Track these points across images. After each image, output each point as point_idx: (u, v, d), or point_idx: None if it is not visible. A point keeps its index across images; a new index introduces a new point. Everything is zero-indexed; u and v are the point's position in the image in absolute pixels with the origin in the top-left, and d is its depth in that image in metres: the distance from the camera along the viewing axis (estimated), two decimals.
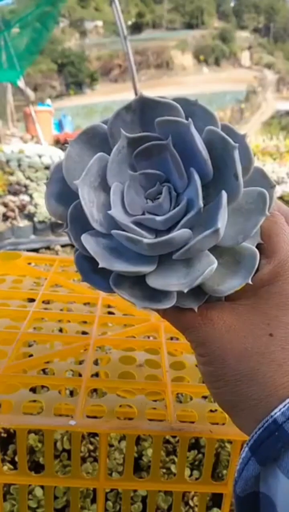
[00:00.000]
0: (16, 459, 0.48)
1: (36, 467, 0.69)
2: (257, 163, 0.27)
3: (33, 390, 0.60)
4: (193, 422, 0.42)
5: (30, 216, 3.08)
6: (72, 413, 0.41)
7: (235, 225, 0.26)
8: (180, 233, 0.24)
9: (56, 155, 3.91)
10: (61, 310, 0.64)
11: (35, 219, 3.04)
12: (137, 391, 0.46)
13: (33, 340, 0.59)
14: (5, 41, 5.34)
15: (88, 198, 0.26)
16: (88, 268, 0.27)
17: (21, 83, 6.10)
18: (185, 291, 0.24)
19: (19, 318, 0.58)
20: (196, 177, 0.25)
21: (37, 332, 0.57)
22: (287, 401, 0.24)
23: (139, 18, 41.76)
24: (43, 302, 0.64)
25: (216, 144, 0.25)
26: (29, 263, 0.77)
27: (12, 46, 5.41)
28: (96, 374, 0.51)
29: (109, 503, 0.65)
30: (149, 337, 0.61)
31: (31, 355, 0.52)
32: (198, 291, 0.27)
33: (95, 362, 0.54)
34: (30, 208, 3.11)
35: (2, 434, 0.76)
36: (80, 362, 0.51)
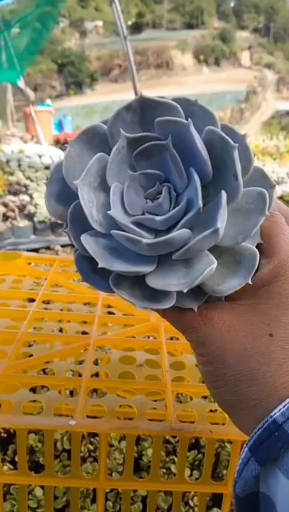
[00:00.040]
0: (16, 459, 0.48)
1: (36, 467, 0.69)
2: (257, 163, 0.27)
3: (33, 390, 0.60)
4: (193, 422, 0.42)
5: (30, 216, 3.08)
6: (72, 413, 0.41)
7: (234, 225, 0.26)
8: (179, 233, 0.24)
9: (56, 155, 3.91)
10: (61, 310, 0.64)
11: (35, 219, 3.04)
12: (137, 391, 0.46)
13: (33, 340, 0.59)
14: (5, 41, 5.35)
15: (88, 198, 0.26)
16: (88, 268, 0.27)
17: (21, 83, 6.10)
18: (185, 291, 0.24)
19: (19, 318, 0.58)
20: (196, 177, 0.25)
21: (37, 332, 0.57)
22: (287, 401, 0.24)
23: (139, 18, 41.76)
24: (43, 302, 0.64)
25: (216, 144, 0.25)
26: (29, 263, 0.77)
27: (12, 46, 5.41)
28: (96, 374, 0.51)
29: (109, 503, 0.65)
30: (149, 337, 0.61)
31: (31, 355, 0.52)
32: (198, 291, 0.27)
33: (95, 362, 0.54)
34: (30, 208, 3.11)
35: (2, 434, 0.76)
36: (80, 362, 0.51)
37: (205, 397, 0.46)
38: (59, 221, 0.28)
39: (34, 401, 0.45)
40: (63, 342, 0.56)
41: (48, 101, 10.84)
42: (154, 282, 0.25)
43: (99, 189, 0.27)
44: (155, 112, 0.26)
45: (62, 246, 2.83)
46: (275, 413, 0.24)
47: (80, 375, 0.47)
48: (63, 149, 4.57)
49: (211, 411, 0.45)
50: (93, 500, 0.65)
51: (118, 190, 0.26)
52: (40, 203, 3.13)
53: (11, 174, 3.54)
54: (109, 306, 0.66)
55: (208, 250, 0.26)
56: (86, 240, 0.26)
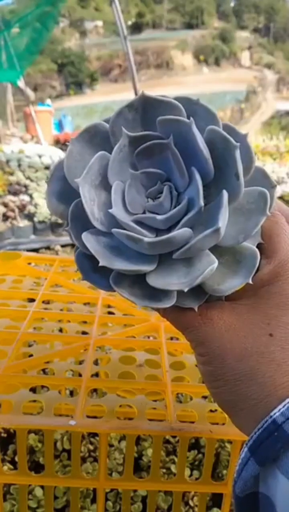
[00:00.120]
0: (16, 459, 0.48)
1: (36, 467, 0.69)
2: (257, 163, 0.27)
3: (33, 390, 0.60)
4: (193, 422, 0.42)
5: (30, 216, 3.08)
6: (72, 413, 0.41)
7: (235, 224, 0.26)
8: (180, 232, 0.24)
9: (56, 155, 3.91)
10: (61, 310, 0.63)
11: (35, 219, 3.04)
12: (137, 391, 0.46)
13: (33, 340, 0.59)
14: (5, 41, 5.35)
15: (89, 197, 0.26)
16: (89, 267, 0.27)
17: (21, 83, 6.10)
18: (185, 290, 0.24)
19: (19, 318, 0.58)
20: (197, 176, 0.25)
21: (37, 332, 0.57)
22: (286, 401, 0.24)
23: (139, 18, 41.77)
24: (43, 302, 0.64)
25: (217, 143, 0.25)
26: (29, 263, 0.77)
27: (12, 46, 5.41)
28: (96, 374, 0.51)
29: (109, 503, 0.65)
30: (149, 337, 0.61)
31: (31, 355, 0.52)
32: (198, 291, 0.27)
33: (95, 362, 0.53)
34: (30, 208, 3.11)
35: (2, 434, 0.76)
36: (80, 362, 0.51)
37: (205, 397, 0.46)
38: (60, 220, 0.28)
39: (34, 401, 0.45)
40: (63, 342, 0.56)
41: (48, 101, 10.84)
42: (155, 281, 0.25)
43: (100, 187, 0.27)
44: (156, 111, 0.26)
45: (62, 246, 2.83)
46: (274, 413, 0.24)
47: (80, 375, 0.47)
48: (63, 149, 4.58)
49: (211, 411, 0.45)
50: (93, 500, 0.65)
51: (119, 188, 0.26)
52: (40, 203, 3.13)
53: (11, 174, 3.54)
54: (109, 306, 0.66)
55: (209, 249, 0.26)
56: (87, 239, 0.26)
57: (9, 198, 3.14)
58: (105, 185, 0.27)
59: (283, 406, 0.24)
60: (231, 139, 0.24)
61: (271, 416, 0.24)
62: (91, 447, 0.74)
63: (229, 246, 0.26)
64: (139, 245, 0.25)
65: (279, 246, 0.28)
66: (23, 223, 3.03)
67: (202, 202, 0.24)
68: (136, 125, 0.27)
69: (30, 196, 3.25)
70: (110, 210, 0.25)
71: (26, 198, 3.20)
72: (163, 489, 0.58)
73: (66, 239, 2.87)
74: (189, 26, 42.60)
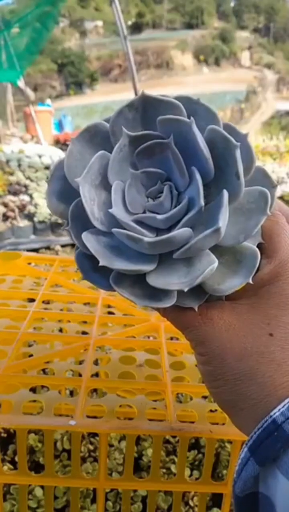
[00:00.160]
0: (16, 459, 0.48)
1: (36, 467, 0.69)
2: (257, 163, 0.27)
3: (33, 390, 0.60)
4: (193, 422, 0.42)
5: (30, 216, 3.08)
6: (72, 413, 0.41)
7: (236, 224, 0.26)
8: (180, 232, 0.24)
9: (56, 155, 3.91)
10: (61, 310, 0.63)
11: (35, 219, 3.04)
12: (137, 391, 0.46)
13: (33, 340, 0.59)
14: (5, 41, 5.35)
15: (89, 196, 0.26)
16: (89, 266, 0.27)
17: (21, 83, 6.10)
18: (185, 290, 0.24)
19: (19, 318, 0.58)
20: (197, 176, 0.25)
21: (37, 332, 0.57)
22: (286, 401, 0.24)
23: (139, 18, 41.75)
24: (43, 302, 0.64)
25: (218, 143, 0.25)
26: (29, 263, 0.77)
27: (12, 46, 5.42)
28: (96, 374, 0.51)
29: (109, 503, 0.65)
30: (149, 337, 0.61)
31: (31, 355, 0.52)
32: (198, 290, 0.27)
33: (95, 362, 0.53)
34: (30, 208, 3.11)
35: (2, 434, 0.76)
36: (80, 362, 0.51)
37: (205, 397, 0.46)
38: (60, 219, 0.28)
39: (34, 401, 0.45)
40: (63, 342, 0.56)
41: (48, 101, 10.84)
42: (155, 280, 0.25)
43: (100, 187, 0.26)
44: (157, 110, 0.26)
45: (62, 246, 2.83)
46: (274, 413, 0.24)
47: (80, 375, 0.47)
48: (63, 149, 4.58)
49: (211, 411, 0.45)
50: (93, 500, 0.65)
51: (119, 188, 0.26)
52: (40, 203, 3.13)
53: (11, 174, 3.54)
54: (109, 306, 0.66)
55: (209, 249, 0.26)
56: (87, 238, 0.26)
57: (9, 198, 3.14)
58: (105, 185, 0.27)
59: (283, 406, 0.24)
60: (232, 138, 0.24)
61: (271, 416, 0.24)
62: (91, 447, 0.74)
63: (229, 246, 0.26)
64: (139, 245, 0.25)
65: (280, 246, 0.28)
66: (23, 223, 3.03)
67: (202, 202, 0.24)
68: (137, 124, 0.27)
69: (30, 196, 3.25)
70: (110, 210, 0.25)
71: (26, 198, 3.20)
72: (163, 489, 0.58)
73: (66, 239, 2.87)
74: (189, 26, 42.58)
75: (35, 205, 3.14)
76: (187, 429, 0.40)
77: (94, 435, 0.75)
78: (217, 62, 37.09)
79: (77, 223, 0.26)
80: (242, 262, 0.27)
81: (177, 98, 0.26)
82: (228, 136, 0.24)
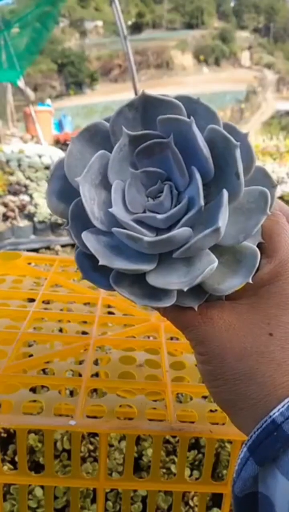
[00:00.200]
0: (16, 459, 0.48)
1: (36, 467, 0.69)
2: (257, 163, 0.27)
3: (33, 390, 0.60)
4: (193, 422, 0.42)
5: (30, 216, 3.08)
6: (72, 413, 0.41)
7: (236, 224, 0.26)
8: (180, 231, 0.24)
9: (56, 155, 3.91)
10: (61, 310, 0.63)
11: (35, 219, 3.05)
12: (138, 391, 0.46)
13: (33, 340, 0.59)
14: (5, 41, 5.35)
15: (89, 196, 0.26)
16: (89, 266, 0.27)
17: (21, 83, 6.10)
18: (185, 289, 0.24)
19: (19, 318, 0.58)
20: (197, 175, 0.25)
21: (37, 332, 0.57)
22: (286, 401, 0.24)
23: (139, 18, 41.74)
24: (43, 302, 0.64)
25: (218, 142, 0.25)
26: (29, 263, 0.77)
27: (12, 46, 5.42)
28: (96, 374, 0.51)
29: (109, 503, 0.65)
30: (149, 337, 0.61)
31: (31, 355, 0.52)
32: (198, 290, 0.27)
33: (95, 362, 0.53)
34: (30, 208, 3.11)
35: (2, 434, 0.76)
36: (80, 362, 0.51)
37: (205, 397, 0.46)
38: (60, 219, 0.28)
39: (34, 401, 0.45)
40: (63, 342, 0.56)
41: (48, 101, 10.84)
42: (155, 280, 0.25)
43: (100, 186, 0.26)
44: (157, 110, 0.26)
45: (62, 246, 2.83)
46: (274, 413, 0.24)
47: (80, 375, 0.47)
48: (63, 149, 4.58)
49: (211, 411, 0.45)
50: (93, 500, 0.65)
51: (119, 187, 0.26)
52: (40, 203, 3.13)
53: (11, 174, 3.54)
54: (109, 306, 0.66)
55: (209, 249, 0.26)
56: (87, 238, 0.25)
57: (9, 198, 3.14)
58: (105, 184, 0.27)
59: (283, 406, 0.24)
60: (232, 138, 0.24)
61: (270, 416, 0.24)
62: (91, 447, 0.73)
63: (229, 246, 0.26)
64: (139, 244, 0.25)
65: (280, 246, 0.28)
66: (23, 223, 3.03)
67: (202, 202, 0.24)
68: (137, 124, 0.27)
69: (30, 196, 3.26)
70: (110, 209, 0.25)
71: (26, 198, 3.20)
72: (163, 489, 0.58)
73: (66, 239, 2.87)
74: (189, 26, 42.57)
75: (35, 205, 3.14)
76: (187, 429, 0.40)
77: (94, 435, 0.75)
78: (217, 62, 37.07)
79: (77, 222, 0.26)
80: (242, 262, 0.27)
81: (177, 97, 0.26)
82: (228, 135, 0.24)
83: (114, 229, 0.25)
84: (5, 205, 3.07)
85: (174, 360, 0.52)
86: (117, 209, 0.25)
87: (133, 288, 0.26)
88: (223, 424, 0.46)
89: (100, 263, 0.24)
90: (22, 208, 3.11)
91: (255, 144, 5.23)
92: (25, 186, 3.38)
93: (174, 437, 0.75)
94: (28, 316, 0.57)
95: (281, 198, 3.27)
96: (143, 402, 0.44)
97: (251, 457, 0.25)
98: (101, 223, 0.26)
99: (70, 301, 0.66)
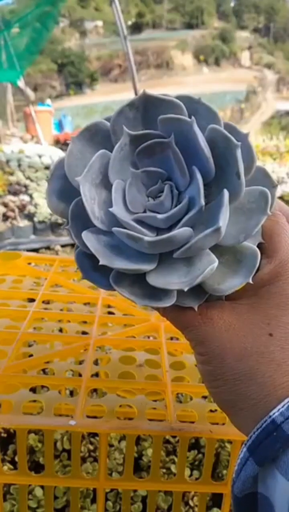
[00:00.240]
0: (16, 459, 0.48)
1: (36, 467, 0.68)
2: (257, 163, 0.27)
3: (33, 390, 0.60)
4: (193, 422, 0.42)
5: (30, 216, 3.08)
6: (72, 413, 0.41)
7: (236, 224, 0.26)
8: (181, 231, 0.24)
9: (56, 155, 3.91)
10: (61, 310, 0.63)
11: (35, 219, 3.04)
12: (138, 391, 0.46)
13: (33, 340, 0.59)
14: (5, 41, 5.35)
15: (90, 195, 0.26)
16: (89, 265, 0.27)
17: (21, 83, 6.10)
18: (185, 289, 0.24)
19: (19, 318, 0.58)
20: (198, 175, 0.25)
21: (37, 332, 0.57)
22: (285, 401, 0.24)
23: (139, 18, 41.73)
24: (43, 302, 0.64)
25: (219, 142, 0.25)
26: (29, 263, 0.77)
27: (12, 46, 5.42)
28: (96, 374, 0.51)
29: (109, 503, 0.65)
30: (149, 337, 0.61)
31: (31, 355, 0.52)
32: (198, 290, 0.27)
33: (95, 362, 0.53)
34: (30, 208, 3.11)
35: (2, 434, 0.76)
36: (80, 362, 0.51)
37: (205, 397, 0.46)
38: (61, 218, 0.28)
39: (34, 401, 0.45)
40: (63, 342, 0.56)
41: (48, 101, 10.84)
42: (155, 280, 0.25)
43: (101, 186, 0.26)
44: (158, 109, 0.26)
45: (62, 246, 2.83)
46: (274, 413, 0.24)
47: (80, 375, 0.47)
48: (63, 149, 4.58)
49: (211, 411, 0.45)
50: (93, 500, 0.65)
51: (120, 187, 0.26)
52: (40, 203, 3.13)
53: (11, 174, 3.54)
54: (109, 306, 0.66)
55: (209, 249, 0.26)
56: (87, 237, 0.25)
57: (9, 198, 3.14)
58: (106, 184, 0.26)
59: (282, 406, 0.24)
60: (232, 138, 0.24)
61: (270, 416, 0.24)
62: (91, 447, 0.73)
63: (230, 246, 0.26)
64: (139, 244, 0.25)
65: (280, 246, 0.28)
66: (23, 223, 3.03)
67: (202, 201, 0.24)
68: (137, 123, 0.27)
69: (30, 196, 3.26)
70: (110, 209, 0.25)
71: (26, 198, 3.20)
72: (163, 489, 0.58)
73: (66, 239, 2.87)
74: (189, 26, 42.54)
75: (35, 205, 3.14)
76: (187, 429, 0.40)
77: (94, 435, 0.75)
78: (217, 62, 37.06)
79: (78, 222, 0.26)
80: (242, 262, 0.27)
81: (178, 97, 0.26)
82: (229, 135, 0.24)
83: (115, 229, 0.25)
84: (5, 205, 3.07)
85: (174, 360, 0.52)
86: (117, 209, 0.25)
87: (134, 288, 0.26)
88: (223, 424, 0.46)
89: (100, 263, 0.24)
90: (22, 208, 3.11)
91: (255, 144, 5.23)
92: (25, 186, 3.38)
93: (174, 437, 0.75)
94: (28, 316, 0.57)
95: (281, 198, 3.27)
96: (143, 402, 0.44)
97: (250, 457, 0.24)
98: (101, 222, 0.26)
99: (70, 301, 0.66)
